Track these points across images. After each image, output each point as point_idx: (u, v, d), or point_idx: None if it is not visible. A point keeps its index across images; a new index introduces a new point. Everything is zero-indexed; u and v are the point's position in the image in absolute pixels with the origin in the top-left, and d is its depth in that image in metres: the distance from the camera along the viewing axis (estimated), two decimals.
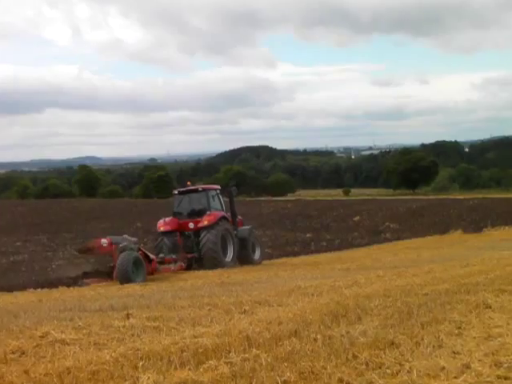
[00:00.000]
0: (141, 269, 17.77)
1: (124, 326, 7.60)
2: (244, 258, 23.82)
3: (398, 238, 40.41)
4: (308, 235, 39.95)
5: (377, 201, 71.66)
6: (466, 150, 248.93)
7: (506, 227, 45.09)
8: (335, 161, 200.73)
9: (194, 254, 21.87)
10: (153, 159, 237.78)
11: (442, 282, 11.49)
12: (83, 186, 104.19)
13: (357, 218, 53.37)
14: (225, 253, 22.67)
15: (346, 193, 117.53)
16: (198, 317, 8.10)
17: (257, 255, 24.75)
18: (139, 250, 18.45)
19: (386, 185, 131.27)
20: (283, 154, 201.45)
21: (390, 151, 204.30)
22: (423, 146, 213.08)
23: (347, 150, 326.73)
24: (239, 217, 24.58)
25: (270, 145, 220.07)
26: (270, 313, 8.08)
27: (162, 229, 22.25)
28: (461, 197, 72.50)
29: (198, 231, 22.27)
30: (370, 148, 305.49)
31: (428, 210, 56.58)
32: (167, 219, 22.52)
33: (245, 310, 8.53)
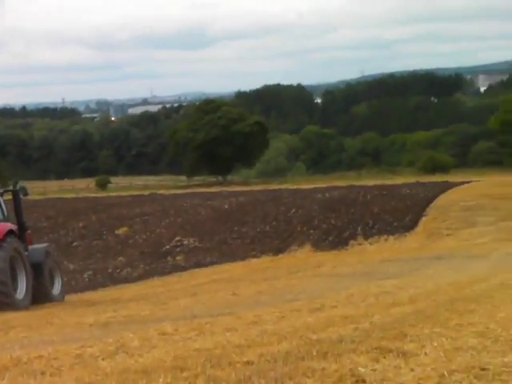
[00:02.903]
0: None
1: None
2: (38, 294, 20.36)
3: (198, 264, 32.86)
4: None
5: (160, 198, 57.42)
6: (318, 100, 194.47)
7: (390, 237, 36.36)
8: (81, 127, 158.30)
9: None
10: None
11: (279, 340, 8.85)
12: None
13: (123, 231, 42.34)
14: (15, 286, 19.47)
15: (102, 184, 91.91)
16: None
17: (56, 289, 21.48)
18: None
19: (174, 168, 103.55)
20: None
21: (179, 106, 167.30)
22: (239, 94, 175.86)
23: (103, 104, 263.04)
24: (28, 230, 21.99)
25: None
26: None
27: None
28: (308, 186, 59.74)
29: None
30: (146, 102, 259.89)
31: (251, 211, 45.56)
32: None
33: None
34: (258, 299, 17.23)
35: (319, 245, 34.97)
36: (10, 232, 19.90)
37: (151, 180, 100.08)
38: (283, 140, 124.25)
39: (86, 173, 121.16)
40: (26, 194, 22.47)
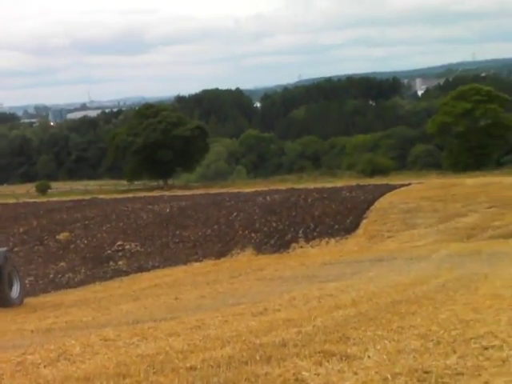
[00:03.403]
0: None
1: None
2: None
3: (140, 269, 32.75)
4: None
5: (101, 203, 56.90)
6: (257, 104, 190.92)
7: (331, 240, 36.58)
8: (20, 132, 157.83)
9: None
10: None
11: (222, 345, 8.77)
12: None
13: (64, 236, 41.84)
14: None
15: (42, 190, 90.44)
16: None
17: (15, 292, 21.09)
18: None
19: (115, 173, 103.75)
20: None
21: (119, 111, 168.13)
22: (178, 99, 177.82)
23: (41, 110, 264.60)
24: None
25: None
26: None
27: None
28: (249, 189, 59.77)
29: None
30: (84, 107, 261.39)
31: (192, 215, 45.45)
32: None
33: None
34: (201, 303, 17.05)
35: (261, 248, 35.04)
36: None
37: (92, 184, 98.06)
38: (223, 144, 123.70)
39: (26, 178, 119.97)
40: None
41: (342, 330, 9.51)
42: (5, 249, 22.24)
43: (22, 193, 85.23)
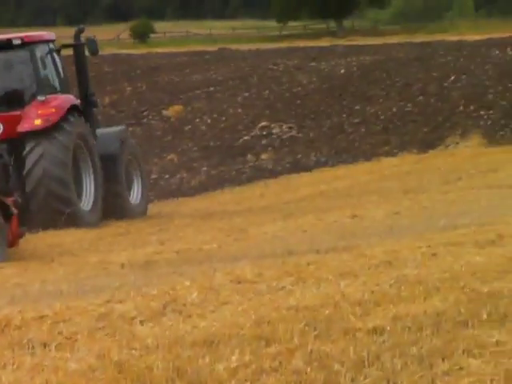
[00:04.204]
0: None
1: None
2: (111, 203, 22.17)
3: (296, 167, 33.84)
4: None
5: (233, 57, 57.68)
6: None
7: None
8: None
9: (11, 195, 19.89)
10: None
11: (426, 294, 9.07)
12: None
13: (175, 111, 44.31)
14: (79, 191, 21.39)
15: (141, 35, 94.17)
16: None
17: (135, 196, 23.38)
18: None
19: (256, 8, 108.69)
20: None
21: None
22: None
23: None
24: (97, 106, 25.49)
25: None
26: None
27: None
28: (477, 36, 58.97)
29: (16, 143, 20.70)
30: None
31: (382, 80, 45.98)
32: None
33: None
34: (393, 225, 17.40)
35: (495, 135, 35.25)
36: (74, 108, 21.32)
37: (218, 27, 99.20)
38: None
39: (114, 15, 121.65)
40: (95, 52, 24.16)
41: None
42: (120, 128, 24.66)
43: (107, 39, 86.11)
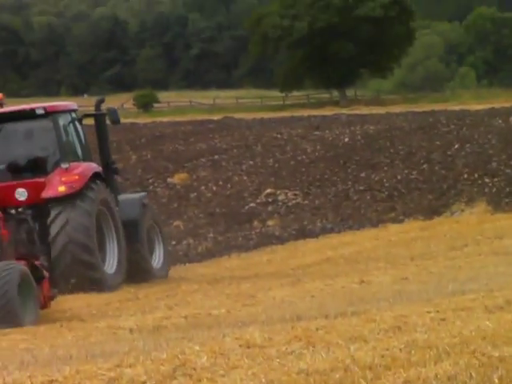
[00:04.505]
0: (30, 297, 18.05)
1: None
2: (135, 266, 22.89)
3: (303, 233, 33.87)
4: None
5: (238, 126, 58.71)
6: None
7: None
8: (109, 9, 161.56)
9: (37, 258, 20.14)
10: None
11: (437, 358, 8.87)
12: None
13: (180, 179, 45.01)
14: (102, 255, 21.85)
15: (144, 104, 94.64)
16: None
17: (157, 260, 24.11)
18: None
19: (260, 78, 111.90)
20: None
21: None
22: None
23: None
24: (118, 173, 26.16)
25: None
26: None
27: None
28: (480, 106, 60.54)
29: (40, 208, 21.17)
30: None
31: (386, 148, 46.23)
32: None
33: None
34: (402, 290, 17.23)
35: (500, 202, 35.10)
36: (96, 175, 21.90)
37: (222, 97, 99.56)
38: (438, 31, 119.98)
39: (119, 85, 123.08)
40: (116, 121, 25.20)
41: None
42: (140, 195, 25.10)
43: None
